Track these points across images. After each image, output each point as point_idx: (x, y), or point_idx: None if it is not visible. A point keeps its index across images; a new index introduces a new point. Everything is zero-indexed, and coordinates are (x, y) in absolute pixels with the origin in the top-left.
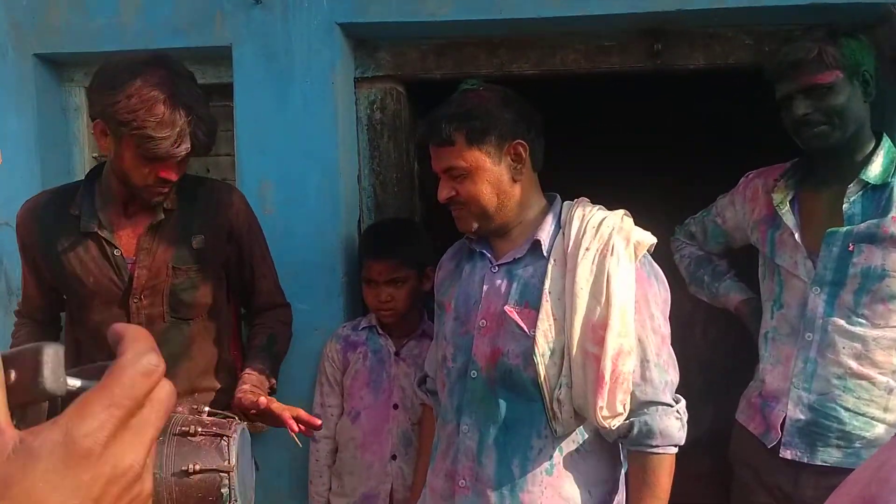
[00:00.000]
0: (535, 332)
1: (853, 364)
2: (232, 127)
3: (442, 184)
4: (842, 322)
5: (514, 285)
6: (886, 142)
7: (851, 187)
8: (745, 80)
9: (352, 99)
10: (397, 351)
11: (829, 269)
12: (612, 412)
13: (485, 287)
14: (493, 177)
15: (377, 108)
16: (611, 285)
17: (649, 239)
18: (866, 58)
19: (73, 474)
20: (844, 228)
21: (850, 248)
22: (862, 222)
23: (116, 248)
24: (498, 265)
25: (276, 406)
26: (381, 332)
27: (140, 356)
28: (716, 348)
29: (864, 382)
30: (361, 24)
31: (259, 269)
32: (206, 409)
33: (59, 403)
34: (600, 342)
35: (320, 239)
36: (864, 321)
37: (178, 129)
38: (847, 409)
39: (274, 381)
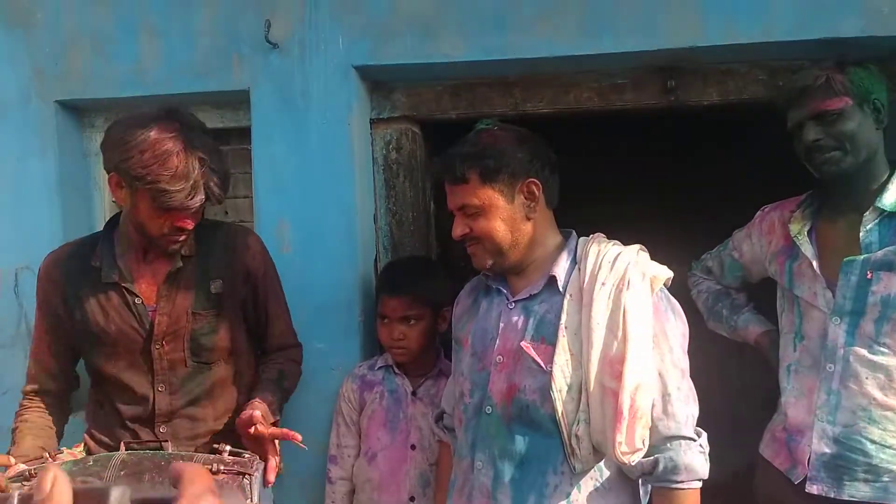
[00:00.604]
0: (551, 367)
1: (878, 394)
2: (250, 169)
3: (456, 221)
4: (864, 352)
5: (531, 321)
6: None
7: (867, 215)
8: (760, 117)
9: (368, 140)
10: (414, 391)
11: (848, 299)
12: (631, 448)
13: (501, 323)
14: (507, 214)
15: (393, 148)
16: (627, 319)
17: (665, 273)
18: (876, 86)
19: None
20: (862, 257)
21: (869, 276)
22: (879, 250)
23: (137, 296)
24: (514, 301)
25: (273, 430)
26: (397, 371)
27: (199, 498)
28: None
29: (889, 413)
30: (377, 67)
31: (273, 311)
32: (228, 447)
33: None
34: (618, 377)
35: (337, 278)
36: (886, 350)
37: (191, 182)
38: (873, 442)
39: (278, 417)
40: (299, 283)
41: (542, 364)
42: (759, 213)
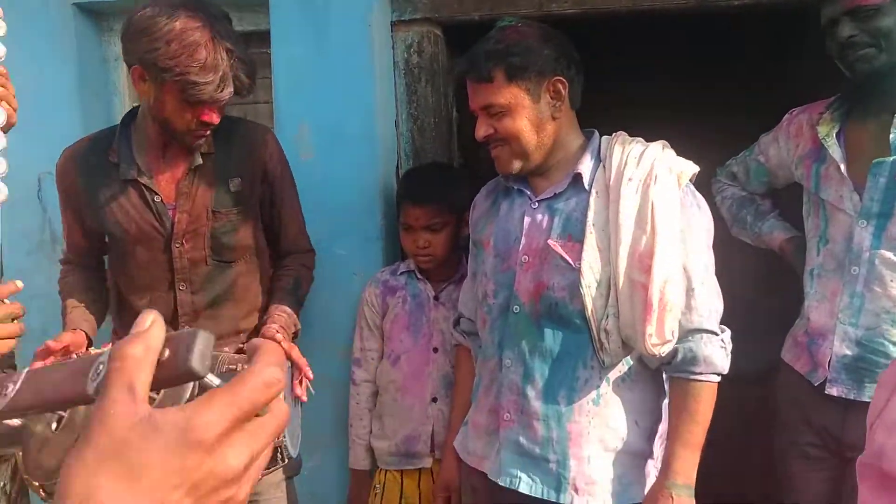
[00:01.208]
0: (580, 264)
1: None
2: (269, 74)
3: (479, 122)
4: (889, 255)
5: (556, 219)
6: None
7: None
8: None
9: (389, 43)
10: (436, 295)
11: (875, 201)
12: (661, 339)
13: (526, 221)
14: (532, 114)
15: (414, 51)
16: (655, 214)
17: (691, 168)
18: None
19: (181, 456)
20: (891, 158)
21: None
22: None
23: (157, 194)
24: (538, 201)
25: (296, 355)
26: (419, 276)
27: (266, 367)
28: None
29: None
30: None
31: (287, 215)
32: None
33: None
34: (647, 271)
35: (358, 184)
36: None
37: (220, 73)
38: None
39: (299, 327)
40: (320, 189)
41: (571, 261)
42: (787, 115)
